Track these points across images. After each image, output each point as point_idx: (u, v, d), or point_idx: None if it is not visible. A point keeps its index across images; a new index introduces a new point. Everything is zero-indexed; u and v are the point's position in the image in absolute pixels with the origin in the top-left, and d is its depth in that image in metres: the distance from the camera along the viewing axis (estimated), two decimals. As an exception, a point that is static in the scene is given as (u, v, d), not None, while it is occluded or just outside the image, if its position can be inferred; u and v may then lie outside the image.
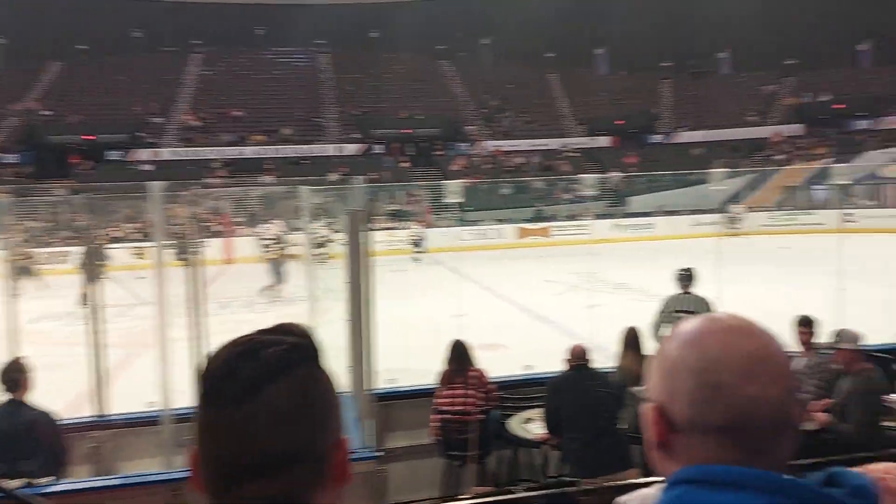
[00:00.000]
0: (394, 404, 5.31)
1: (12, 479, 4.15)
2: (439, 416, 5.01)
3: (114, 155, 33.25)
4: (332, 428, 0.85)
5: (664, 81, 42.70)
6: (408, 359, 8.46)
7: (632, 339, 4.97)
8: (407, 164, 35.14)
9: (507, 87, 41.71)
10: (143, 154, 33.49)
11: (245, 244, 24.35)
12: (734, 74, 43.80)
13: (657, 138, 38.65)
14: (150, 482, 4.32)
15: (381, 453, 4.39)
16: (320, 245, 13.94)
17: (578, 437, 4.22)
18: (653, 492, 0.91)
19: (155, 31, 42.70)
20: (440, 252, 23.41)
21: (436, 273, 18.58)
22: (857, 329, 4.73)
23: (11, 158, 32.17)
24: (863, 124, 34.90)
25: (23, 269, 14.59)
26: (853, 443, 3.98)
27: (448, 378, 5.04)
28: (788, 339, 5.21)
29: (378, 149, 36.03)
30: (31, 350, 5.34)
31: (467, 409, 4.93)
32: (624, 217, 28.65)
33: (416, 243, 23.06)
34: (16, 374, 4.57)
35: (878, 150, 31.04)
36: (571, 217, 28.67)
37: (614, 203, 30.41)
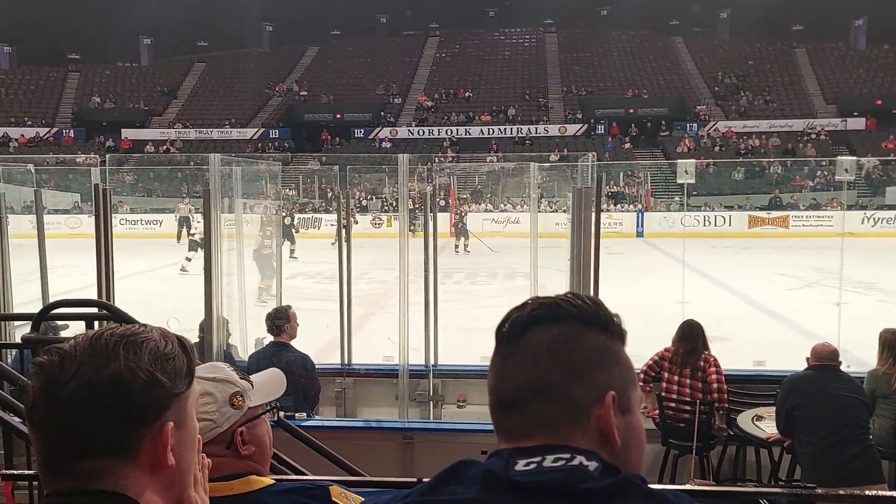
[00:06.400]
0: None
1: (274, 411, 4.80)
2: (662, 402, 4.90)
3: (358, 133, 36.29)
4: (592, 382, 0.87)
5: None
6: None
7: (892, 343, 4.44)
8: (628, 145, 34.12)
9: (746, 64, 38.62)
10: (384, 132, 36.11)
11: (468, 219, 25.33)
12: None
13: (925, 120, 33.52)
14: (386, 428, 4.79)
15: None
16: None
17: (818, 442, 3.92)
18: None
19: (398, 15, 45.52)
20: (659, 238, 22.52)
21: (654, 258, 17.94)
22: None
23: (273, 134, 36.58)
24: None
25: (287, 232, 17.00)
26: None
27: (678, 362, 4.86)
28: None
29: (600, 129, 35.39)
30: (288, 302, 6.10)
31: (694, 397, 4.77)
32: (879, 209, 25.35)
33: None
34: (280, 321, 5.25)
35: None
36: (814, 206, 25.98)
37: (867, 192, 27.01)
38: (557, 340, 0.88)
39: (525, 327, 0.90)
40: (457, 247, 19.28)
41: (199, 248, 16.85)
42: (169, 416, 0.90)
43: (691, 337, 4.87)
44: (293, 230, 17.84)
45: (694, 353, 4.84)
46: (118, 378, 0.86)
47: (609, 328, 0.91)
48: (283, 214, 18.22)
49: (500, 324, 0.92)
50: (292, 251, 17.13)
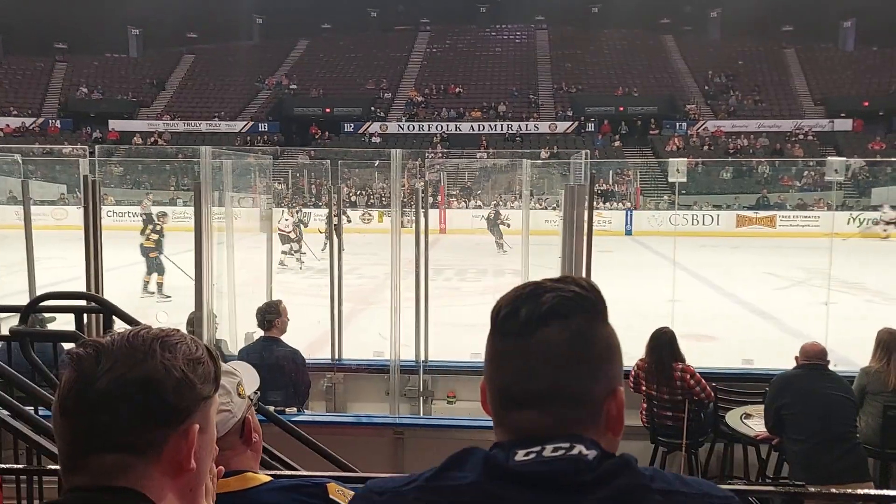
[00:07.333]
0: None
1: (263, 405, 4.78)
2: (647, 403, 4.90)
3: (348, 127, 36.16)
4: (605, 378, 0.90)
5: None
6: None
7: (888, 342, 4.43)
8: (618, 143, 34.23)
9: (735, 64, 38.83)
10: (373, 127, 36.01)
11: (457, 216, 25.38)
12: None
13: (913, 123, 33.87)
14: (376, 423, 4.78)
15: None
16: None
17: (806, 440, 3.95)
18: None
19: (389, 10, 45.36)
20: (648, 236, 22.62)
21: (643, 256, 18.02)
22: None
23: (262, 127, 36.41)
24: None
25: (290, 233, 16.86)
26: None
27: (653, 379, 4.76)
28: None
29: (590, 127, 35.47)
30: (278, 297, 6.06)
31: (675, 398, 4.76)
32: (865, 210, 25.58)
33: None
34: (270, 316, 5.21)
35: None
36: (801, 206, 26.18)
37: (854, 193, 27.26)
38: (576, 340, 0.89)
39: (541, 322, 0.89)
40: (501, 245, 18.27)
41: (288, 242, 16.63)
42: (195, 418, 0.91)
43: (658, 347, 4.76)
44: (302, 226, 17.63)
45: (663, 364, 4.72)
46: (153, 375, 0.87)
47: (606, 314, 0.93)
48: (298, 209, 18.19)
49: (506, 313, 0.91)
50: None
